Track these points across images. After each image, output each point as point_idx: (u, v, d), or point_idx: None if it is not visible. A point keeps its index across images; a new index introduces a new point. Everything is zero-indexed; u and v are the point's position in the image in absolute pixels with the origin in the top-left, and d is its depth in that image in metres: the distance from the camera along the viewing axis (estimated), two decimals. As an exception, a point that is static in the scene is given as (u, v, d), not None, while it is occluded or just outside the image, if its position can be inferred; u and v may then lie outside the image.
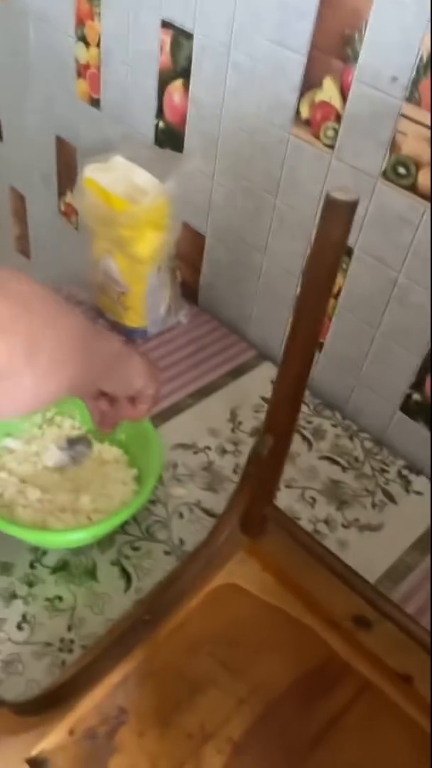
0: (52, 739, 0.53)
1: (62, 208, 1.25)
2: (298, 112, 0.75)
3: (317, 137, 0.74)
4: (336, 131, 0.72)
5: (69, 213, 1.24)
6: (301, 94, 0.74)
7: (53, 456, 0.70)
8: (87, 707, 0.55)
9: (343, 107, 0.70)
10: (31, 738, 0.52)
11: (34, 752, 0.52)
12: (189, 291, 1.03)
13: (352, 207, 0.44)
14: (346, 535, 0.73)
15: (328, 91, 0.71)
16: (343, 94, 0.70)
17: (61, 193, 1.23)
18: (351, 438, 0.84)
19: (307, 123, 0.75)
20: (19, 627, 0.62)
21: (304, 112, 0.74)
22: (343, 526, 0.74)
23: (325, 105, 0.72)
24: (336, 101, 0.71)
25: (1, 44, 1.17)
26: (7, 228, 1.45)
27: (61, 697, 0.50)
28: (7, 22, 1.12)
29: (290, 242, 0.83)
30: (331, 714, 0.57)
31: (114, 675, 0.57)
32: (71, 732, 0.54)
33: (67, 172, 1.19)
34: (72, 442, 0.71)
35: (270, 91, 0.77)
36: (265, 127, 0.79)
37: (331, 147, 0.74)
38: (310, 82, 0.72)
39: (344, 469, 0.81)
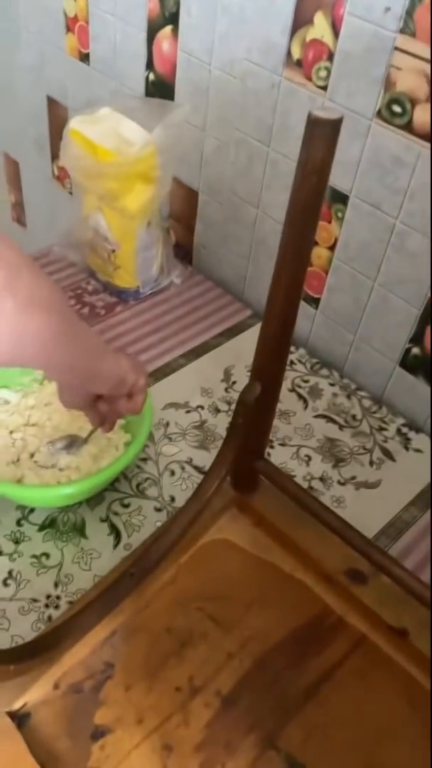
0: (35, 692, 0.52)
1: (56, 172, 1.22)
2: (289, 54, 0.72)
3: (309, 79, 0.71)
4: (328, 71, 0.69)
5: (63, 177, 1.21)
6: (293, 34, 0.71)
7: (47, 456, 0.67)
8: (72, 662, 0.54)
9: (336, 44, 0.67)
10: (13, 690, 0.51)
11: (16, 705, 0.51)
12: (183, 252, 1.01)
13: (335, 125, 0.41)
14: (342, 492, 0.71)
15: (320, 28, 0.68)
16: (335, 30, 0.67)
17: (54, 157, 1.20)
18: (349, 397, 0.82)
19: (299, 64, 0.71)
20: (5, 583, 0.60)
21: (296, 53, 0.71)
22: (339, 483, 0.72)
23: (317, 43, 0.69)
24: (328, 38, 0.68)
25: (-11, 2, 1.14)
26: (3, 197, 1.43)
27: (43, 648, 0.49)
28: (-6, -22, 1.09)
29: (283, 194, 0.80)
30: (323, 668, 0.56)
31: (100, 630, 0.56)
32: (56, 686, 0.53)
33: (59, 135, 1.16)
34: (66, 445, 0.67)
35: (260, 32, 0.74)
36: (256, 72, 0.76)
37: (324, 88, 0.70)
38: (301, 20, 0.69)
39: (341, 427, 0.78)
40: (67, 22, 0.99)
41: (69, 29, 1.00)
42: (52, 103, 1.13)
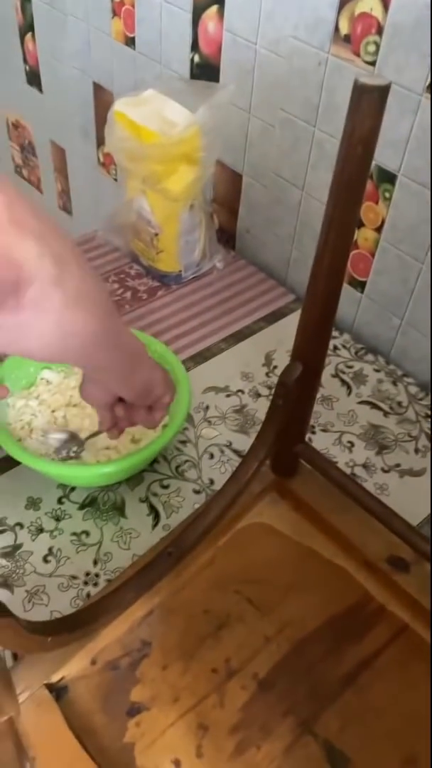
0: (73, 667, 0.52)
1: (101, 159, 1.23)
2: (337, 29, 0.70)
3: (357, 54, 0.69)
4: (377, 45, 0.67)
5: (108, 164, 1.22)
6: (340, 8, 0.69)
7: (36, 443, 0.66)
8: (110, 639, 0.54)
9: (385, 17, 0.65)
10: (51, 663, 0.51)
11: (54, 678, 0.51)
12: (226, 236, 1.00)
13: (383, 93, 0.39)
14: (385, 479, 0.70)
15: (369, 1, 0.66)
16: (385, 3, 0.65)
17: (100, 144, 1.21)
18: (395, 383, 0.80)
19: (347, 40, 0.70)
20: (45, 560, 0.61)
21: (344, 28, 0.69)
22: (383, 470, 0.71)
23: (366, 17, 0.67)
24: (377, 11, 0.66)
25: (37, -10, 1.15)
26: (50, 183, 1.45)
27: (81, 622, 0.49)
28: (42, -35, 1.10)
29: (329, 174, 0.78)
30: (363, 656, 0.54)
31: (138, 608, 0.56)
32: (93, 662, 0.53)
33: (104, 121, 1.16)
34: (63, 441, 0.66)
35: (307, 8, 0.72)
36: (302, 49, 0.75)
37: (373, 64, 0.68)
38: (349, -6, 0.67)
39: (386, 414, 0.76)
40: (113, 6, 0.99)
41: (115, 14, 1.00)
42: (98, 89, 1.13)
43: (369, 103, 0.40)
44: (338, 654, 0.54)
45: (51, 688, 0.51)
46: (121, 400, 0.55)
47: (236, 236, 0.99)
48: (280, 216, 0.89)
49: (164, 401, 0.56)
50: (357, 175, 0.43)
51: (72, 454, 0.65)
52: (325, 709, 0.51)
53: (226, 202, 0.97)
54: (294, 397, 0.56)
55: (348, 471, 0.70)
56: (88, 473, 0.64)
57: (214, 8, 0.83)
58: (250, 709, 0.51)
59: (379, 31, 0.66)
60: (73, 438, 0.66)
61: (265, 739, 0.50)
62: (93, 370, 0.50)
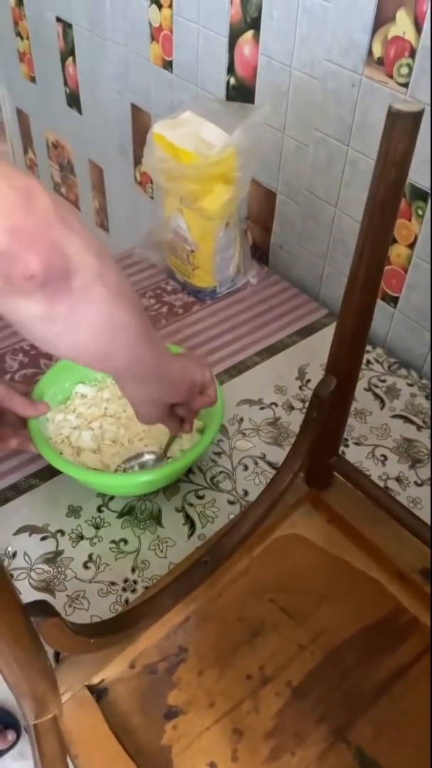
0: (112, 670, 0.54)
1: (138, 177, 1.27)
2: (370, 52, 0.72)
3: (390, 76, 0.71)
4: (410, 67, 0.69)
5: (144, 182, 1.25)
6: (374, 32, 0.71)
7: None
8: (148, 644, 0.56)
9: (418, 40, 0.67)
10: (92, 665, 0.53)
11: (95, 680, 0.53)
12: (260, 252, 1.02)
13: (416, 118, 0.41)
14: (418, 493, 0.70)
15: (402, 25, 0.68)
16: (418, 26, 0.66)
17: (137, 163, 1.25)
18: (427, 397, 0.81)
19: (380, 62, 0.71)
20: (86, 566, 0.63)
21: (377, 51, 0.71)
22: (416, 484, 0.71)
23: (399, 40, 0.69)
24: (410, 35, 0.67)
25: (80, 17, 1.19)
26: (88, 201, 1.49)
27: (121, 626, 0.51)
28: (84, -7, 1.14)
29: (363, 191, 0.80)
30: (396, 666, 0.55)
31: (175, 615, 0.57)
32: (132, 665, 0.55)
33: (142, 141, 1.20)
34: (141, 464, 0.69)
35: (341, 32, 0.74)
36: (336, 71, 0.77)
37: (405, 85, 0.70)
38: (382, 18, 0.69)
39: (419, 428, 0.77)
40: (152, 31, 1.03)
41: (153, 38, 1.03)
42: (135, 110, 1.17)
43: (403, 128, 0.41)
44: (372, 663, 0.55)
45: (92, 689, 0.52)
46: (176, 403, 0.59)
47: (269, 252, 1.01)
48: (313, 232, 0.91)
49: (207, 379, 0.59)
50: (391, 195, 0.45)
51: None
52: (358, 717, 0.52)
53: (259, 219, 0.99)
54: (328, 409, 0.58)
55: (382, 484, 0.71)
56: (125, 482, 0.66)
57: (250, 33, 0.86)
58: (284, 716, 0.52)
59: (412, 53, 0.68)
60: (158, 459, 0.68)
61: (299, 745, 0.51)
62: (139, 381, 0.52)
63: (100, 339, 0.43)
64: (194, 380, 0.56)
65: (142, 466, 0.68)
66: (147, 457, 0.68)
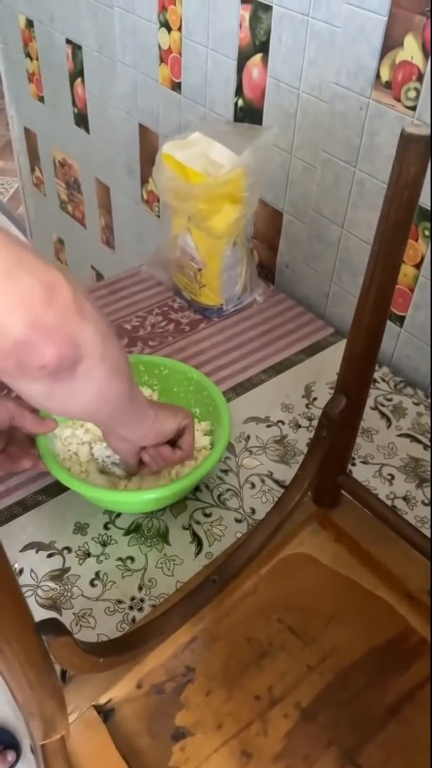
0: (120, 690, 0.54)
1: (144, 196, 1.28)
2: (378, 76, 0.73)
3: (398, 99, 0.72)
4: (418, 91, 0.70)
5: (151, 201, 1.26)
6: (382, 57, 0.72)
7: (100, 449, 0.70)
8: (155, 663, 0.56)
9: (426, 65, 0.68)
10: (99, 685, 0.53)
11: (102, 700, 0.53)
12: (266, 271, 1.03)
13: (429, 141, 0.42)
14: (426, 512, 0.70)
15: (410, 50, 0.69)
16: (425, 51, 0.67)
17: (144, 182, 1.26)
18: (433, 416, 0.81)
19: (388, 86, 0.72)
20: (92, 584, 0.63)
21: (385, 75, 0.72)
22: (424, 503, 0.71)
23: (407, 65, 0.70)
24: (418, 59, 0.68)
25: (90, 39, 1.21)
26: (94, 219, 1.50)
27: (129, 646, 0.50)
28: (95, 16, 1.16)
29: (370, 212, 0.81)
30: (406, 688, 0.55)
31: (182, 634, 0.57)
32: (139, 685, 0.55)
33: (149, 160, 1.21)
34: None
35: (350, 56, 0.75)
36: (344, 94, 0.78)
37: (413, 109, 0.71)
38: (390, 43, 0.70)
39: (426, 447, 0.77)
40: (161, 54, 1.05)
41: (162, 60, 1.05)
42: (143, 130, 1.18)
43: (415, 152, 0.42)
44: (381, 685, 0.55)
45: (99, 709, 0.52)
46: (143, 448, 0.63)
47: (276, 271, 1.01)
48: (320, 252, 0.92)
49: (180, 428, 0.62)
50: (403, 217, 0.45)
51: (114, 468, 0.68)
52: (368, 740, 0.51)
53: (266, 238, 1.00)
54: (337, 428, 0.58)
55: (389, 503, 0.70)
56: (132, 499, 0.65)
57: (258, 56, 0.87)
58: (293, 738, 0.52)
59: (420, 78, 0.69)
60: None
61: (308, 768, 0.50)
62: (114, 427, 0.58)
63: (88, 409, 0.48)
64: (163, 430, 0.60)
65: (117, 465, 0.68)
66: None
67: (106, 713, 0.52)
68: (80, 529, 0.67)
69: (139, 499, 0.65)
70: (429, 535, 0.60)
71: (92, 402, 0.47)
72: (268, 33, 0.84)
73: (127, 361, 0.49)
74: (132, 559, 0.65)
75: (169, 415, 0.61)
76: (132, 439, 0.60)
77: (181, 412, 0.63)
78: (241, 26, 0.88)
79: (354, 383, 0.56)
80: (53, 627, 0.39)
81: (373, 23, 0.71)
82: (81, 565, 0.64)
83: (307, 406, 0.82)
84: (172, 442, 0.64)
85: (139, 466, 0.66)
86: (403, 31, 0.69)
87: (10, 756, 0.51)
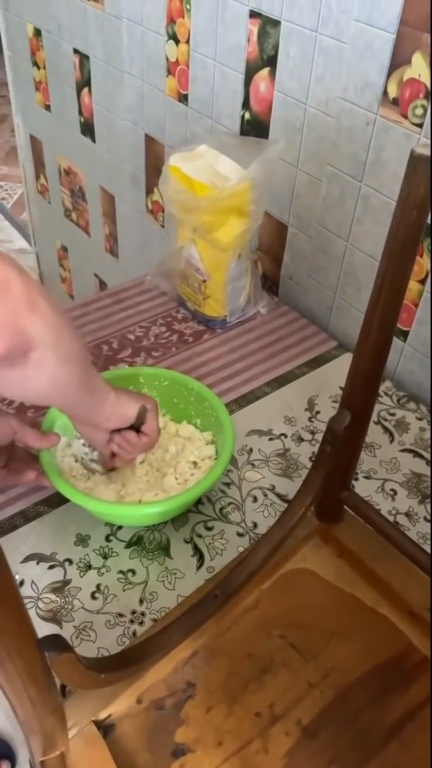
0: (119, 705, 0.53)
1: (149, 206, 1.28)
2: (385, 93, 0.74)
3: (405, 116, 0.72)
4: (425, 108, 0.70)
5: (155, 211, 1.27)
6: (389, 74, 0.72)
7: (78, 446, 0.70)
8: (155, 678, 0.55)
9: (433, 83, 0.68)
10: (99, 700, 0.52)
11: (102, 715, 0.52)
12: (269, 283, 1.03)
13: (438, 162, 0.42)
14: (428, 528, 0.70)
15: (418, 68, 0.69)
16: (434, 69, 0.68)
17: (149, 192, 1.26)
18: (436, 431, 0.81)
19: (395, 102, 0.73)
20: (93, 596, 0.62)
21: (392, 92, 0.73)
22: (426, 519, 0.71)
23: (414, 82, 0.70)
24: (426, 77, 0.69)
25: (97, 50, 1.22)
26: (98, 227, 1.51)
27: (130, 661, 0.50)
28: (102, 27, 1.17)
29: (375, 227, 0.81)
30: (407, 707, 0.54)
31: (183, 649, 0.57)
32: (139, 701, 0.54)
33: (154, 171, 1.22)
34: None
35: (357, 73, 0.76)
36: (351, 110, 0.78)
37: (420, 125, 0.71)
38: (398, 60, 0.71)
39: (428, 462, 0.77)
40: (168, 66, 1.05)
41: (170, 72, 1.06)
42: (149, 140, 1.19)
43: (424, 172, 0.42)
44: (383, 704, 0.54)
45: (98, 724, 0.52)
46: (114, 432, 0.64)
47: (279, 283, 1.01)
48: (324, 265, 0.92)
49: (140, 412, 0.63)
50: (411, 236, 0.45)
51: (93, 465, 0.68)
52: (369, 759, 0.51)
53: (270, 250, 1.00)
54: (341, 444, 0.58)
55: (391, 519, 0.70)
56: (133, 512, 0.65)
57: (266, 70, 0.88)
58: (294, 757, 0.51)
59: (427, 95, 0.69)
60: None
61: (308, 788, 0.50)
62: (75, 411, 0.60)
63: (43, 394, 0.52)
64: (125, 413, 0.62)
65: (95, 462, 0.69)
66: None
67: (105, 729, 0.52)
68: (82, 540, 0.67)
69: (141, 512, 0.65)
70: (431, 552, 0.60)
71: (47, 387, 0.51)
72: (276, 47, 0.85)
73: (82, 349, 0.53)
74: (133, 572, 0.65)
75: (131, 399, 0.62)
76: (95, 422, 0.61)
77: (143, 398, 0.64)
78: (249, 40, 0.88)
79: (359, 399, 0.56)
80: (56, 643, 0.39)
81: (382, 40, 0.71)
82: (82, 577, 0.64)
83: (309, 419, 0.81)
84: (138, 430, 0.65)
85: (112, 458, 0.67)
86: (411, 48, 0.69)
87: (5, 766, 0.51)
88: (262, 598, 0.61)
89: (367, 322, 0.51)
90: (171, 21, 1.00)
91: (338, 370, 0.88)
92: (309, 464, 0.75)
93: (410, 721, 0.53)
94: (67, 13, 1.25)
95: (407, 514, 0.71)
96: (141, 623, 0.61)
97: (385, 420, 0.82)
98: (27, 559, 0.65)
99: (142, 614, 0.61)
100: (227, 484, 0.73)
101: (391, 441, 0.79)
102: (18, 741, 0.53)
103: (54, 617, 0.61)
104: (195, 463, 0.69)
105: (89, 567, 0.65)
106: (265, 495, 0.72)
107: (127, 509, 0.65)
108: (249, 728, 0.53)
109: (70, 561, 0.65)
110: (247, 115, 0.94)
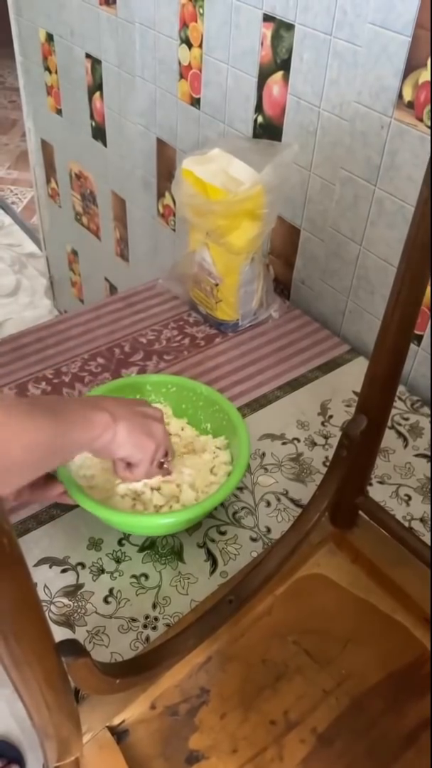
0: (133, 710, 0.53)
1: (160, 210, 1.28)
2: (400, 96, 0.73)
3: (420, 119, 0.72)
4: (441, 112, 0.70)
5: (167, 215, 1.27)
6: (405, 77, 0.72)
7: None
8: (169, 684, 0.55)
9: (449, 86, 0.68)
10: (113, 706, 0.52)
11: (116, 721, 0.52)
12: (281, 287, 1.02)
13: (459, 165, 0.41)
14: (443, 534, 0.69)
15: (433, 71, 0.69)
16: (450, 73, 0.67)
17: (160, 196, 1.26)
18: (450, 437, 0.80)
19: (410, 105, 0.73)
20: (106, 601, 0.62)
21: (407, 95, 0.72)
22: (440, 525, 0.70)
23: (430, 85, 0.70)
24: (441, 80, 0.68)
25: (110, 54, 1.22)
26: (109, 231, 1.51)
27: (144, 666, 0.50)
28: (115, 32, 1.17)
29: (389, 230, 0.81)
30: (424, 715, 0.54)
31: (197, 655, 0.56)
32: (153, 706, 0.54)
33: (166, 174, 1.22)
34: None
35: (372, 76, 0.76)
36: (365, 113, 0.78)
37: (435, 129, 0.71)
38: (413, 64, 0.71)
39: (442, 467, 0.76)
40: (180, 70, 1.05)
41: (182, 76, 1.06)
42: (161, 144, 1.19)
43: (445, 175, 0.42)
44: (398, 712, 0.54)
45: (112, 730, 0.51)
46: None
47: (292, 287, 1.01)
48: (337, 269, 0.92)
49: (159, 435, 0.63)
50: (429, 240, 0.45)
51: None
52: (385, 767, 0.51)
53: (282, 254, 1.00)
54: (357, 449, 0.57)
55: (406, 525, 0.70)
56: (148, 523, 0.64)
57: (279, 74, 0.88)
58: (310, 764, 0.51)
59: (443, 98, 0.69)
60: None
61: (324, 796, 0.49)
62: (68, 457, 0.61)
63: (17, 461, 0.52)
64: (116, 453, 0.61)
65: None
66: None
67: (119, 734, 0.52)
68: (94, 544, 0.67)
69: (155, 523, 0.64)
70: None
71: (17, 459, 0.52)
72: (289, 51, 0.85)
73: (39, 430, 0.52)
74: (146, 576, 0.64)
75: (130, 440, 0.60)
76: (102, 456, 0.63)
77: (143, 447, 0.62)
78: (262, 44, 0.88)
79: (375, 404, 0.55)
80: (73, 648, 0.38)
81: (397, 44, 0.71)
82: (95, 581, 0.63)
83: (323, 423, 0.81)
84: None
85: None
86: (427, 51, 0.69)
87: None
88: (276, 604, 0.61)
89: (384, 326, 0.50)
90: (184, 25, 1.01)
91: (351, 375, 0.88)
92: (322, 469, 0.75)
93: (426, 729, 0.53)
94: (79, 18, 1.26)
95: (422, 520, 0.71)
96: (154, 628, 0.60)
97: (399, 425, 0.81)
98: (40, 562, 0.65)
99: (155, 619, 0.61)
100: (240, 489, 0.73)
101: (405, 446, 0.79)
102: (27, 745, 0.53)
103: (67, 621, 0.60)
104: (211, 470, 0.69)
105: (102, 571, 0.64)
106: (279, 500, 0.72)
107: (140, 519, 0.64)
108: (264, 735, 0.52)
109: (82, 565, 0.65)
110: (260, 119, 0.94)
